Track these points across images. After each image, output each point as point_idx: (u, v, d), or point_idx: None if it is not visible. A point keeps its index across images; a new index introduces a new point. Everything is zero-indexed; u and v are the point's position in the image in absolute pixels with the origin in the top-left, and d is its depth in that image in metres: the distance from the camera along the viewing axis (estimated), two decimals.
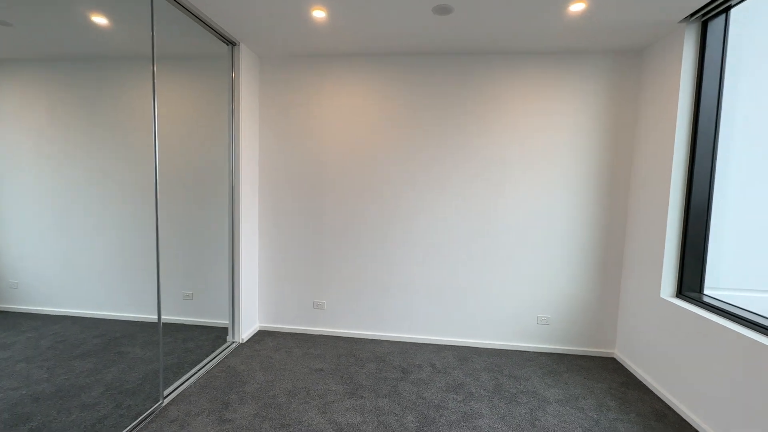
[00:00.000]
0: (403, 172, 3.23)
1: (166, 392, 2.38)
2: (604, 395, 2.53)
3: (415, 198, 3.24)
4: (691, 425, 2.22)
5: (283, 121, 3.34)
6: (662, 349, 2.54)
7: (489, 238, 3.17)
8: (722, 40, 2.37)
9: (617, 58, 2.94)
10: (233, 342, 3.18)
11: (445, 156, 3.18)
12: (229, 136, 3.08)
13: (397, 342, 3.31)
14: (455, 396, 2.47)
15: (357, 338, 3.36)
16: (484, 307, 3.24)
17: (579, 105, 2.99)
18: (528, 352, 3.19)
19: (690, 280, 2.52)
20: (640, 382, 2.71)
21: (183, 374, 2.62)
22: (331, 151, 3.30)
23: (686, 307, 2.38)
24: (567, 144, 3.03)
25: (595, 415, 2.30)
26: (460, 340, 3.29)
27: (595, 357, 3.11)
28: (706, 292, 2.49)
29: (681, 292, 2.54)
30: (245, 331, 3.27)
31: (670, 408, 2.39)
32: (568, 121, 3.01)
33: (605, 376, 2.78)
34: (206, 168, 3.45)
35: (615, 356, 3.11)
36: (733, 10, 2.29)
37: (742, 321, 2.08)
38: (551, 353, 3.17)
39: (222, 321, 3.38)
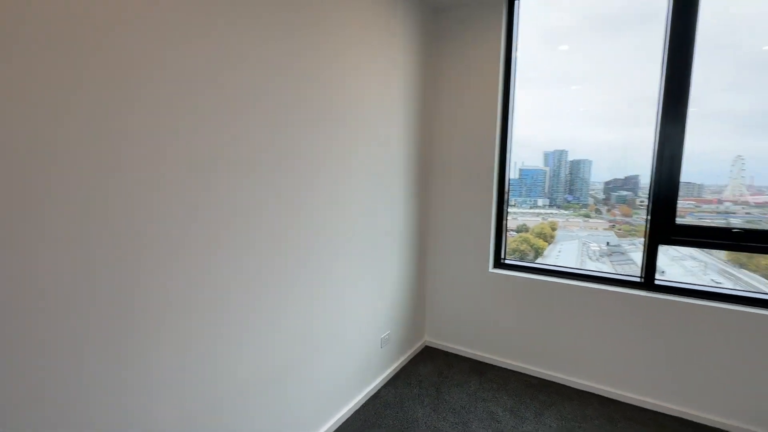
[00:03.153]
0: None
1: None
2: (517, 407, 2.18)
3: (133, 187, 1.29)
4: (561, 384, 2.46)
5: None
6: (498, 320, 2.63)
7: (316, 254, 1.86)
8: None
9: (429, 13, 2.52)
10: None
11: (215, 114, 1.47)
12: None
13: None
14: None
15: None
16: (320, 366, 1.94)
17: (388, 64, 2.31)
18: (384, 394, 2.30)
19: (500, 252, 2.72)
20: (490, 364, 2.65)
21: None
22: None
23: (515, 275, 2.56)
24: (378, 112, 2.28)
25: None
26: None
27: (422, 354, 2.78)
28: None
29: (498, 264, 2.71)
30: None
31: (540, 379, 2.52)
32: (377, 83, 2.25)
33: (474, 380, 2.47)
34: None
35: (427, 344, 2.92)
36: None
37: (561, 274, 2.50)
38: (399, 376, 2.47)
39: None
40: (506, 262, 2.69)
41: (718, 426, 1.99)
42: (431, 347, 2.88)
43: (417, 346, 2.82)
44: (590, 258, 3.14)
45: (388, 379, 2.42)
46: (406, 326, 2.65)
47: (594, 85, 2.59)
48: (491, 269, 2.64)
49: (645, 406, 2.16)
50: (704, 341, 2.01)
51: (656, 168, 2.16)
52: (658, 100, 2.11)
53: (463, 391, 2.30)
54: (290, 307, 1.64)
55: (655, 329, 2.14)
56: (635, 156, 2.54)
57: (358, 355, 2.11)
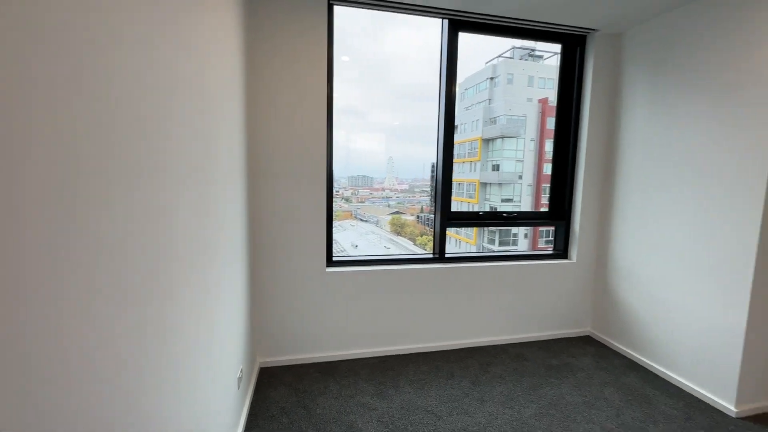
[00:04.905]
0: None
1: None
2: (378, 389, 2.33)
3: None
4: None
5: None
6: (335, 317, 2.69)
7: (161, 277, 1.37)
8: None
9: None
10: None
11: None
12: None
13: None
14: None
15: None
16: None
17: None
18: None
19: (331, 251, 2.79)
20: (335, 362, 2.65)
21: None
22: None
23: (345, 270, 2.73)
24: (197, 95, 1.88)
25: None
26: None
27: (263, 377, 2.44)
28: None
29: (330, 263, 2.76)
30: None
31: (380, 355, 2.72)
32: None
33: (331, 383, 2.41)
34: None
35: (262, 366, 2.60)
36: None
37: (379, 262, 2.89)
38: (256, 412, 2.08)
39: None
40: (336, 260, 2.80)
41: (498, 343, 2.97)
42: (267, 368, 2.59)
43: (255, 371, 2.47)
44: None
45: (246, 420, 2.01)
46: (249, 353, 2.27)
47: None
48: (327, 269, 2.68)
49: (454, 348, 2.90)
50: (477, 289, 2.93)
51: (440, 173, 2.88)
52: (438, 124, 2.84)
53: (329, 398, 2.26)
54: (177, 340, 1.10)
55: (449, 289, 2.89)
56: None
57: (220, 411, 1.64)
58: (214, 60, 1.47)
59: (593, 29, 2.86)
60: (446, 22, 2.73)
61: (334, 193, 3.03)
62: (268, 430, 1.97)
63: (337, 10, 2.56)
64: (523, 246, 7.08)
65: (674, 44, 2.48)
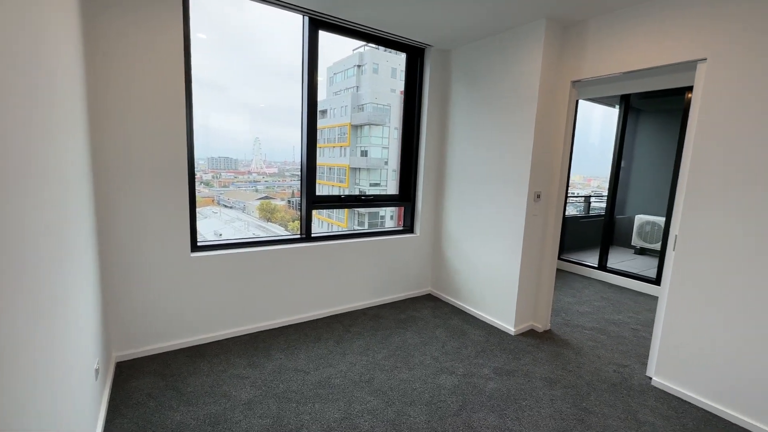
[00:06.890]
0: None
1: None
2: (251, 361, 2.45)
3: None
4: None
5: None
6: (204, 300, 2.72)
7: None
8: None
9: None
10: None
11: None
12: None
13: None
14: None
15: None
16: None
17: None
18: (117, 430, 1.85)
19: (196, 236, 2.77)
20: (206, 344, 2.64)
21: None
22: None
23: (212, 254, 2.78)
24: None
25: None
26: None
27: (121, 371, 2.33)
28: None
29: (195, 248, 2.74)
30: None
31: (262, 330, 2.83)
32: None
33: (201, 362, 2.44)
34: None
35: (118, 360, 2.46)
36: None
37: (247, 245, 3.01)
38: (118, 402, 2.02)
39: None
40: (201, 244, 2.80)
41: (360, 308, 3.42)
42: (127, 360, 2.48)
43: (112, 365, 2.34)
44: None
45: (107, 412, 1.95)
46: (105, 347, 2.16)
47: None
48: (191, 254, 2.67)
49: (322, 316, 3.25)
50: (340, 264, 3.34)
51: (305, 158, 3.13)
52: (302, 112, 3.07)
53: (201, 376, 2.34)
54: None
55: (315, 265, 3.22)
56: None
57: (77, 402, 1.61)
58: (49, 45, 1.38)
59: (429, 44, 3.49)
60: (307, 18, 2.94)
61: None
62: (133, 416, 1.97)
63: None
64: (390, 226, 7.97)
65: (480, 67, 3.27)
